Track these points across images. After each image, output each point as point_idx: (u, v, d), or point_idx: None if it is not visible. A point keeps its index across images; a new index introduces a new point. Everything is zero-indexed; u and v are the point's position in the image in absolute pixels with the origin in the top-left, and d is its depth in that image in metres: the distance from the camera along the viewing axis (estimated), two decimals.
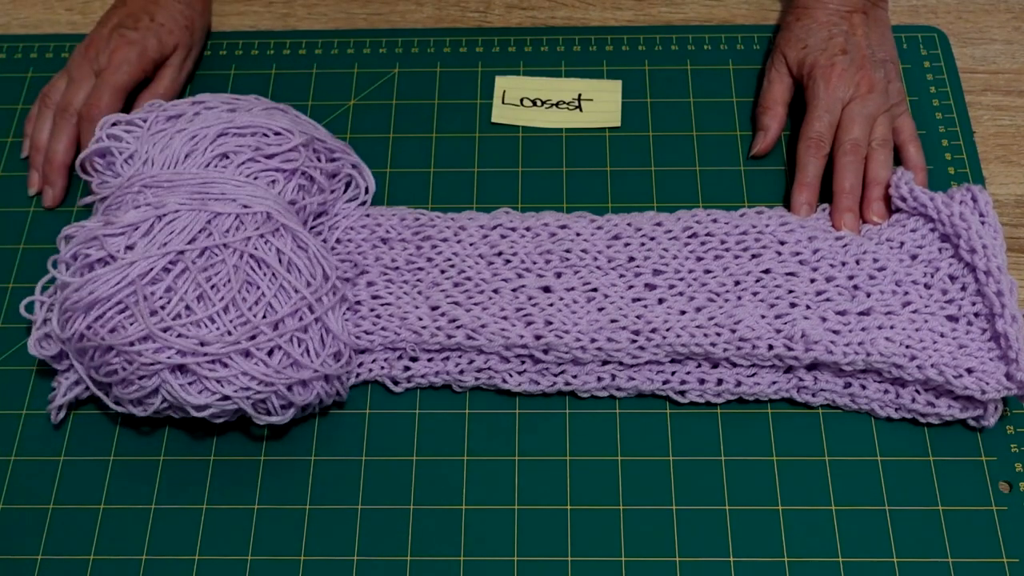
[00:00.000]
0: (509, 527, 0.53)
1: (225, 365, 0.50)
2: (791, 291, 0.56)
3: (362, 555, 0.53)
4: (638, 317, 0.56)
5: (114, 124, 0.59)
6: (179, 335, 0.50)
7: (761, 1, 0.74)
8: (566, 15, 0.74)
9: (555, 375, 0.57)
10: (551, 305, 0.57)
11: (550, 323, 0.56)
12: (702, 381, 0.56)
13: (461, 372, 0.57)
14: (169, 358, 0.50)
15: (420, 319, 0.57)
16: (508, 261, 0.59)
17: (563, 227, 0.60)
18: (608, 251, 0.59)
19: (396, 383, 0.57)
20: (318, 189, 0.59)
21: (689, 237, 0.59)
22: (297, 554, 0.53)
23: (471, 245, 0.60)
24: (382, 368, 0.57)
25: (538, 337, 0.56)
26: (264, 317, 0.51)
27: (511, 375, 0.57)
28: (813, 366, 0.56)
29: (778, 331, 0.55)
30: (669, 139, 0.66)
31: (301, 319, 0.52)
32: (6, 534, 0.54)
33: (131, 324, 0.50)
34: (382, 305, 0.58)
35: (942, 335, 0.55)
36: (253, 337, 0.51)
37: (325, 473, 0.55)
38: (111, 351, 0.51)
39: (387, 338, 0.57)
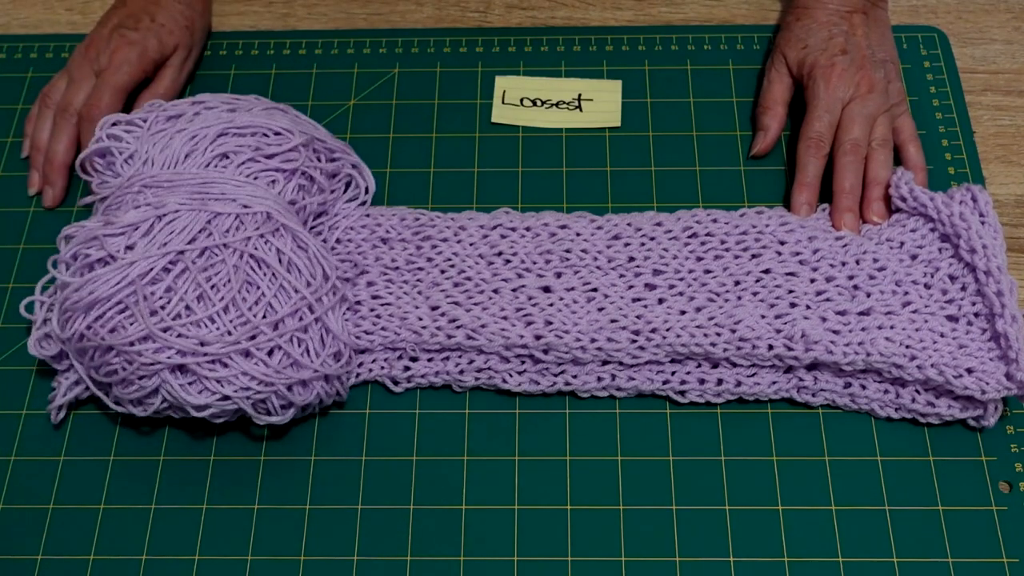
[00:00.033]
0: (509, 527, 0.53)
1: (225, 365, 0.50)
2: (791, 291, 0.56)
3: (362, 555, 0.53)
4: (638, 317, 0.56)
5: (114, 124, 0.59)
6: (179, 335, 0.50)
7: (761, 1, 0.74)
8: (566, 15, 0.74)
9: (555, 375, 0.57)
10: (551, 305, 0.57)
11: (550, 323, 0.56)
12: (702, 381, 0.56)
13: (461, 372, 0.57)
14: (169, 358, 0.50)
15: (420, 319, 0.57)
16: (508, 261, 0.59)
17: (563, 227, 0.60)
18: (608, 251, 0.59)
19: (396, 383, 0.57)
20: (318, 189, 0.59)
21: (689, 237, 0.59)
22: (297, 554, 0.53)
23: (471, 245, 0.60)
24: (382, 368, 0.57)
25: (538, 337, 0.56)
26: (264, 317, 0.51)
27: (511, 375, 0.57)
28: (813, 366, 0.56)
29: (778, 331, 0.55)
30: (669, 139, 0.66)
31: (301, 319, 0.52)
32: (6, 534, 0.54)
33: (131, 324, 0.50)
34: (382, 305, 0.58)
35: (942, 335, 0.55)
36: (253, 337, 0.51)
37: (325, 473, 0.55)
38: (111, 351, 0.51)
39: (387, 338, 0.57)
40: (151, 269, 0.51)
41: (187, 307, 0.50)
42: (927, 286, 0.56)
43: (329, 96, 0.69)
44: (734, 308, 0.56)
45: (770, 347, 0.55)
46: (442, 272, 0.59)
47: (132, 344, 0.50)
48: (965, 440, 0.55)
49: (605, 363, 0.56)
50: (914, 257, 0.57)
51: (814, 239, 0.58)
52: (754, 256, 0.58)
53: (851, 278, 0.57)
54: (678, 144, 0.66)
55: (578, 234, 0.59)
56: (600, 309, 0.57)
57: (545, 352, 0.56)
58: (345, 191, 0.62)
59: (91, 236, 0.52)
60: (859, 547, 0.52)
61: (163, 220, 0.52)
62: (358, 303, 0.58)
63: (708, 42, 0.71)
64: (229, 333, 0.50)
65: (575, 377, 0.56)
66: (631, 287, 0.58)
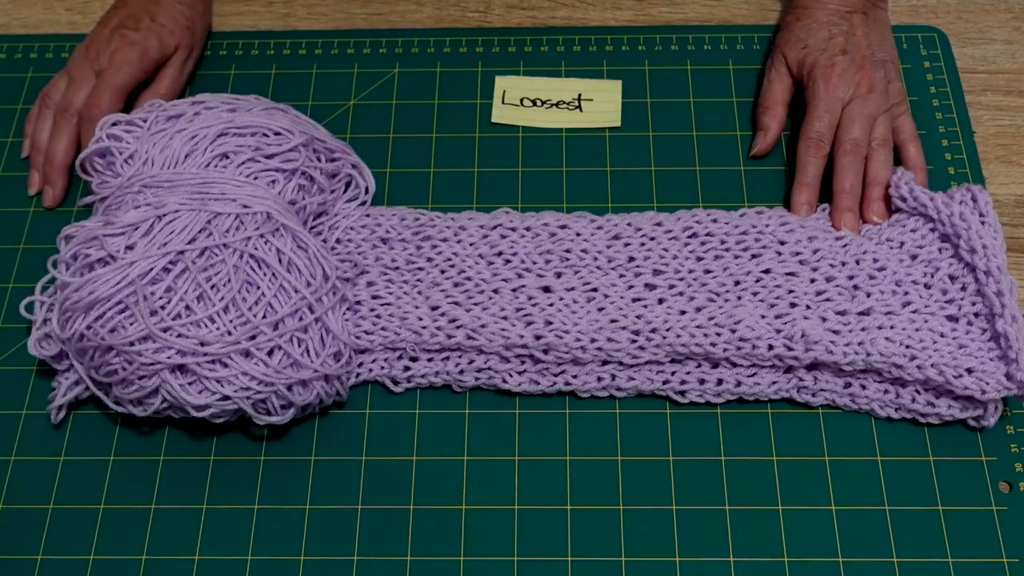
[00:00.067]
0: (509, 527, 0.53)
1: (225, 365, 0.50)
2: (791, 291, 0.56)
3: (362, 555, 0.53)
4: (638, 317, 0.56)
5: (114, 124, 0.59)
6: (179, 335, 0.50)
7: (761, 1, 0.74)
8: (566, 15, 0.74)
9: (555, 375, 0.57)
10: (551, 305, 0.57)
11: (550, 323, 0.56)
12: (702, 381, 0.56)
13: (461, 372, 0.57)
14: (169, 358, 0.50)
15: (420, 319, 0.57)
16: (508, 261, 0.59)
17: (563, 227, 0.60)
18: (608, 251, 0.59)
19: (396, 383, 0.57)
20: (318, 189, 0.59)
21: (689, 237, 0.59)
22: (297, 554, 0.53)
23: (471, 245, 0.60)
24: (382, 368, 0.57)
25: (538, 337, 0.56)
26: (264, 317, 0.51)
27: (511, 375, 0.57)
28: (813, 366, 0.56)
29: (778, 331, 0.55)
30: (669, 139, 0.66)
31: (301, 319, 0.52)
32: (6, 534, 0.54)
33: (131, 324, 0.50)
34: (382, 305, 0.58)
35: (942, 335, 0.55)
36: (253, 337, 0.51)
37: (325, 473, 0.55)
38: (111, 351, 0.51)
39: (387, 338, 0.57)
40: (151, 269, 0.51)
41: (187, 307, 0.50)
42: (927, 286, 0.56)
43: (329, 96, 0.69)
44: (734, 308, 0.56)
45: (770, 347, 0.55)
46: (442, 272, 0.59)
47: (132, 344, 0.50)
48: (965, 440, 0.55)
49: (605, 363, 0.56)
50: (914, 257, 0.57)
51: (814, 239, 0.58)
52: (754, 256, 0.58)
53: (851, 278, 0.57)
54: (678, 144, 0.66)
55: (578, 234, 0.59)
56: (600, 309, 0.57)
57: (545, 352, 0.56)
58: (345, 191, 0.62)
59: (91, 236, 0.52)
60: (859, 547, 0.52)
61: (163, 220, 0.52)
62: (358, 303, 0.58)
63: (708, 42, 0.71)
64: (229, 333, 0.50)
65: (575, 377, 0.56)
66: (631, 287, 0.58)
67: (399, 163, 0.66)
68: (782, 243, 0.58)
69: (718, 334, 0.55)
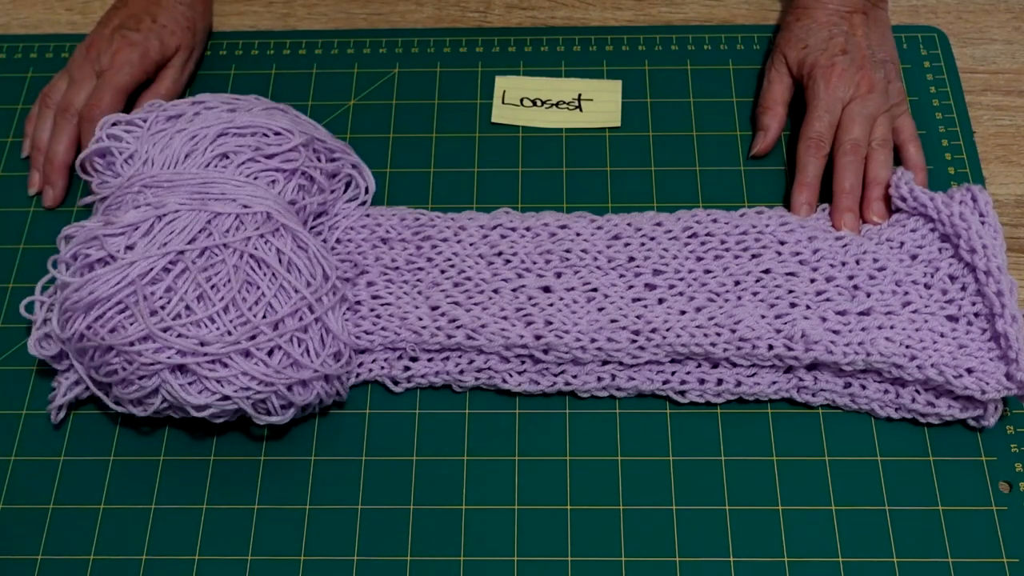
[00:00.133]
0: (509, 527, 0.53)
1: (225, 365, 0.50)
2: (791, 291, 0.56)
3: (362, 555, 0.53)
4: (638, 317, 0.56)
5: (114, 124, 0.59)
6: (179, 335, 0.50)
7: (761, 1, 0.74)
8: (566, 15, 0.74)
9: (555, 375, 0.57)
10: (551, 305, 0.57)
11: (550, 323, 0.56)
12: (702, 381, 0.56)
13: (461, 372, 0.57)
14: (169, 358, 0.50)
15: (420, 319, 0.57)
16: (508, 261, 0.59)
17: (563, 227, 0.60)
18: (608, 251, 0.59)
19: (396, 383, 0.57)
20: (318, 189, 0.59)
21: (689, 237, 0.59)
22: (297, 554, 0.53)
23: (471, 245, 0.60)
24: (382, 368, 0.57)
25: (538, 337, 0.56)
26: (264, 317, 0.51)
27: (511, 375, 0.57)
28: (813, 366, 0.56)
29: (778, 331, 0.55)
30: (669, 139, 0.66)
31: (301, 319, 0.52)
32: (6, 534, 0.54)
33: (131, 324, 0.50)
34: (382, 305, 0.58)
35: (942, 335, 0.55)
36: (253, 337, 0.51)
37: (325, 473, 0.55)
38: (111, 351, 0.51)
39: (387, 338, 0.57)
40: (151, 269, 0.51)
41: (187, 307, 0.50)
42: (927, 286, 0.56)
43: (329, 96, 0.69)
44: (734, 308, 0.56)
45: (770, 347, 0.55)
46: (442, 272, 0.59)
47: (132, 344, 0.50)
48: (965, 440, 0.55)
49: (605, 363, 0.56)
50: (914, 257, 0.57)
51: (814, 239, 0.58)
52: (754, 256, 0.58)
53: (851, 278, 0.57)
54: (678, 144, 0.66)
55: (578, 234, 0.59)
56: (600, 309, 0.57)
57: (545, 352, 0.56)
58: (345, 191, 0.62)
59: (91, 236, 0.52)
60: (859, 547, 0.52)
61: (163, 220, 0.52)
62: (358, 303, 0.58)
63: (708, 42, 0.71)
64: (229, 333, 0.50)
65: (575, 377, 0.56)
66: (631, 287, 0.58)
67: (399, 163, 0.66)
68: (782, 243, 0.58)
69: (718, 334, 0.55)
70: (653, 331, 0.55)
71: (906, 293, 0.56)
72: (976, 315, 0.55)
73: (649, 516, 0.53)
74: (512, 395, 0.57)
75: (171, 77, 0.67)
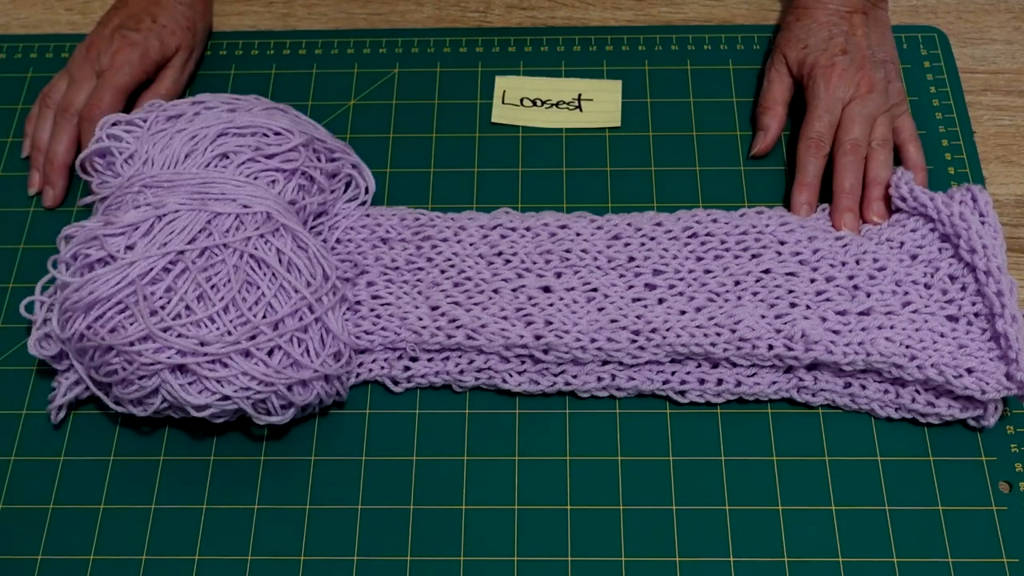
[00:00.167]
0: (509, 527, 0.53)
1: (225, 365, 0.50)
2: (791, 291, 0.56)
3: (362, 555, 0.53)
4: (638, 317, 0.56)
5: (114, 124, 0.59)
6: (179, 335, 0.50)
7: (761, 1, 0.74)
8: (566, 15, 0.74)
9: (555, 375, 0.57)
10: (551, 305, 0.57)
11: (550, 323, 0.56)
12: (702, 381, 0.56)
13: (461, 372, 0.57)
14: (169, 358, 0.50)
15: (420, 319, 0.57)
16: (508, 261, 0.59)
17: (563, 227, 0.60)
18: (608, 251, 0.59)
19: (396, 383, 0.57)
20: (318, 189, 0.59)
21: (689, 237, 0.59)
22: (297, 554, 0.53)
23: (471, 245, 0.60)
24: (382, 368, 0.57)
25: (538, 337, 0.56)
26: (264, 317, 0.51)
27: (511, 375, 0.57)
28: (813, 366, 0.56)
29: (778, 331, 0.55)
30: (669, 139, 0.66)
31: (301, 319, 0.52)
32: (6, 534, 0.54)
33: (131, 324, 0.50)
34: (382, 305, 0.58)
35: (942, 335, 0.55)
36: (253, 337, 0.51)
37: (325, 473, 0.55)
38: (111, 351, 0.51)
39: (387, 338, 0.57)
40: (151, 269, 0.51)
41: (187, 307, 0.50)
42: (927, 286, 0.56)
43: (329, 96, 0.69)
44: (734, 308, 0.56)
45: (770, 347, 0.55)
46: (442, 272, 0.59)
47: (132, 344, 0.50)
48: (965, 440, 0.55)
49: (605, 363, 0.56)
50: (914, 257, 0.57)
51: (814, 239, 0.58)
52: (754, 256, 0.58)
53: (851, 278, 0.57)
54: (678, 144, 0.66)
55: (578, 234, 0.59)
56: (600, 309, 0.57)
57: (545, 352, 0.56)
58: (345, 191, 0.62)
59: (91, 236, 0.52)
60: (859, 547, 0.52)
61: (163, 220, 0.52)
62: (358, 303, 0.58)
63: (708, 42, 0.71)
64: (229, 333, 0.50)
65: (575, 377, 0.56)
66: (631, 287, 0.58)
67: (399, 163, 0.66)
68: (782, 243, 0.58)
69: (718, 334, 0.55)
70: (653, 331, 0.55)
71: (906, 293, 0.56)
72: (976, 315, 0.55)
73: (649, 516, 0.53)
74: (512, 395, 0.57)
75: (171, 77, 0.67)
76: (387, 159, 0.66)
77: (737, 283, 0.57)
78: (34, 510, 0.55)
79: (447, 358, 0.57)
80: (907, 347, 0.54)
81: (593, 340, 0.55)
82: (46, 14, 0.75)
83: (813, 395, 0.56)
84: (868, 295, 0.56)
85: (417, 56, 0.71)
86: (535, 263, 0.59)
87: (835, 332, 0.54)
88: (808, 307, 0.56)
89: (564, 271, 0.58)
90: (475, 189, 0.64)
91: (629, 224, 0.60)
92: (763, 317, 0.55)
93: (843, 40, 0.64)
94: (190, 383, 0.51)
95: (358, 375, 0.57)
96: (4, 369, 0.59)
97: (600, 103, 0.68)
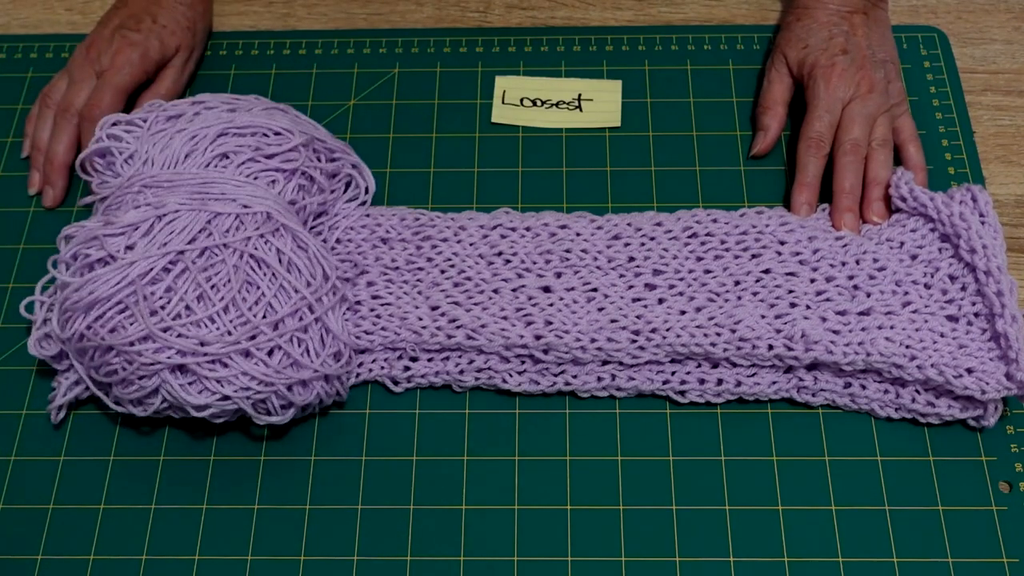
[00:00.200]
0: (509, 527, 0.53)
1: (225, 365, 0.50)
2: (791, 291, 0.56)
3: (362, 555, 0.53)
4: (638, 317, 0.56)
5: (114, 124, 0.59)
6: (179, 335, 0.50)
7: (761, 1, 0.74)
8: (566, 15, 0.74)
9: (555, 375, 0.57)
10: (551, 305, 0.57)
11: (550, 323, 0.56)
12: (702, 381, 0.56)
13: (461, 372, 0.57)
14: (169, 358, 0.50)
15: (420, 319, 0.57)
16: (508, 261, 0.59)
17: (563, 227, 0.60)
18: (608, 251, 0.59)
19: (396, 383, 0.57)
20: (318, 189, 0.59)
21: (689, 237, 0.59)
22: (297, 554, 0.53)
23: (471, 245, 0.60)
24: (382, 368, 0.57)
25: (538, 337, 0.56)
26: (264, 317, 0.51)
27: (511, 375, 0.57)
28: (813, 366, 0.56)
29: (778, 331, 0.55)
30: (669, 139, 0.66)
31: (301, 319, 0.52)
32: (6, 534, 0.54)
33: (131, 324, 0.50)
34: (382, 305, 0.58)
35: (942, 335, 0.55)
36: (253, 337, 0.51)
37: (325, 473, 0.55)
38: (111, 351, 0.51)
39: (387, 338, 0.57)
40: (151, 269, 0.51)
41: (187, 307, 0.50)
42: (927, 286, 0.56)
43: (329, 96, 0.69)
44: (734, 308, 0.56)
45: (770, 347, 0.55)
46: (442, 272, 0.59)
47: (132, 344, 0.50)
48: (965, 440, 0.55)
49: (605, 363, 0.56)
50: (914, 257, 0.57)
51: (814, 239, 0.58)
52: (754, 256, 0.58)
53: (851, 278, 0.57)
54: (678, 144, 0.66)
55: (578, 234, 0.59)
56: (600, 309, 0.57)
57: (545, 352, 0.56)
58: (345, 191, 0.62)
59: (91, 236, 0.52)
60: (859, 547, 0.52)
61: (163, 220, 0.52)
62: (358, 303, 0.58)
63: (708, 42, 0.71)
64: (229, 333, 0.50)
65: (575, 377, 0.56)
66: (631, 287, 0.58)
67: (399, 163, 0.66)
68: (782, 243, 0.58)
69: (718, 334, 0.55)
70: (653, 331, 0.55)
71: (906, 293, 0.56)
72: (976, 315, 0.55)
73: (649, 516, 0.53)
74: (512, 395, 0.57)
75: (171, 77, 0.67)
76: (387, 159, 0.66)
77: (737, 283, 0.57)
78: (34, 510, 0.55)
79: (447, 358, 0.57)
80: (907, 347, 0.54)
81: (593, 340, 0.55)
82: (46, 14, 0.75)
83: (813, 395, 0.56)
84: (868, 295, 0.56)
85: (417, 56, 0.71)
86: (535, 263, 0.59)
87: (835, 332, 0.54)
88: (808, 307, 0.56)
89: (564, 271, 0.58)
90: (475, 189, 0.64)
91: (629, 224, 0.60)
92: (763, 317, 0.55)
93: (843, 40, 0.64)
94: (190, 383, 0.51)
95: (358, 375, 0.57)
96: (4, 369, 0.59)
97: (600, 103, 0.68)
